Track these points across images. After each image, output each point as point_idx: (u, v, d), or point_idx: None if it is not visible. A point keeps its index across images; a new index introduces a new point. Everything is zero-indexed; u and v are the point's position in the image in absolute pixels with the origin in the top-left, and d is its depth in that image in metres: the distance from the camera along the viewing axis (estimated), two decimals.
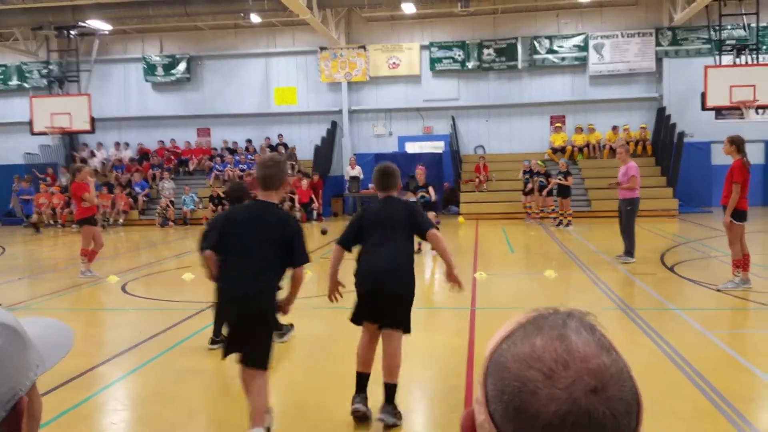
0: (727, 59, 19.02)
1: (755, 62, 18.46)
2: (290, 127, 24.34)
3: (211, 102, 24.67)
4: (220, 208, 19.64)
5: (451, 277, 4.70)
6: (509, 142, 23.25)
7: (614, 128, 22.28)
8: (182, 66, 24.49)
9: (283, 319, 5.22)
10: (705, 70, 18.12)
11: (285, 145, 23.85)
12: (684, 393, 5.16)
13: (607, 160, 21.34)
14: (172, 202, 21.74)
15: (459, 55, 23.11)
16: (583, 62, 22.64)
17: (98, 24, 21.66)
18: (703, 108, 18.15)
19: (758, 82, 17.45)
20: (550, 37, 22.72)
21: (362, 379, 4.65)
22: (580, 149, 22.37)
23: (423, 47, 23.35)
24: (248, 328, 4.21)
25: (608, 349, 0.77)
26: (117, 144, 24.77)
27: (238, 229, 4.29)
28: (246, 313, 4.19)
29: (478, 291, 9.16)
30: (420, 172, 13.28)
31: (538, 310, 0.83)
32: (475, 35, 23.09)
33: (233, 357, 4.33)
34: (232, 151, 23.88)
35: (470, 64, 23.08)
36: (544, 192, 18.67)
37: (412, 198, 12.60)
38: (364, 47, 23.46)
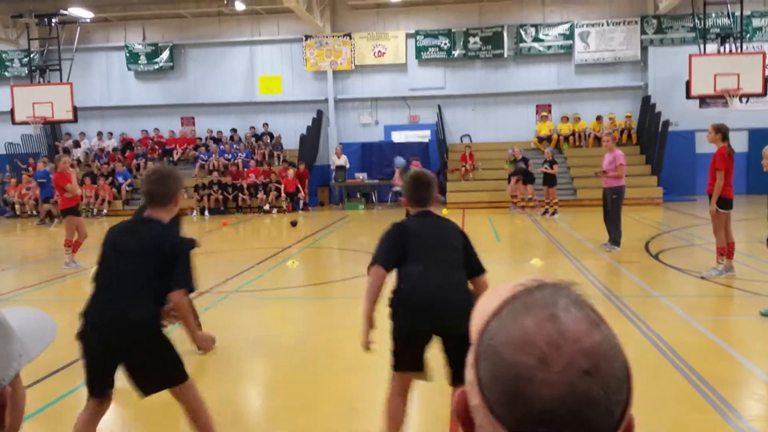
0: (711, 48, 19.11)
1: (739, 51, 18.56)
2: (275, 116, 24.20)
3: (195, 91, 24.47)
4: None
5: None
6: (495, 131, 23.26)
7: (598, 118, 22.36)
8: (165, 54, 24.25)
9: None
10: (689, 58, 18.19)
11: (270, 135, 23.74)
12: (668, 378, 5.21)
13: (593, 149, 21.41)
14: None
15: (445, 44, 23.07)
16: (568, 51, 22.67)
17: (80, 12, 21.40)
18: (688, 96, 18.24)
19: (742, 70, 17.55)
20: (536, 26, 22.72)
21: None
22: (566, 138, 22.44)
23: (409, 35, 23.27)
24: (119, 359, 3.57)
25: (598, 323, 0.77)
26: (99, 133, 24.53)
27: (115, 246, 3.69)
28: (110, 341, 3.52)
29: None
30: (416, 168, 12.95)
31: (523, 284, 0.82)
32: (461, 23, 23.04)
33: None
34: (217, 141, 23.72)
35: (456, 53, 23.04)
36: (513, 180, 18.72)
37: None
38: (349, 35, 23.34)
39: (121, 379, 3.63)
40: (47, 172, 19.78)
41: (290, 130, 23.72)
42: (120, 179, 22.37)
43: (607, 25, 22.39)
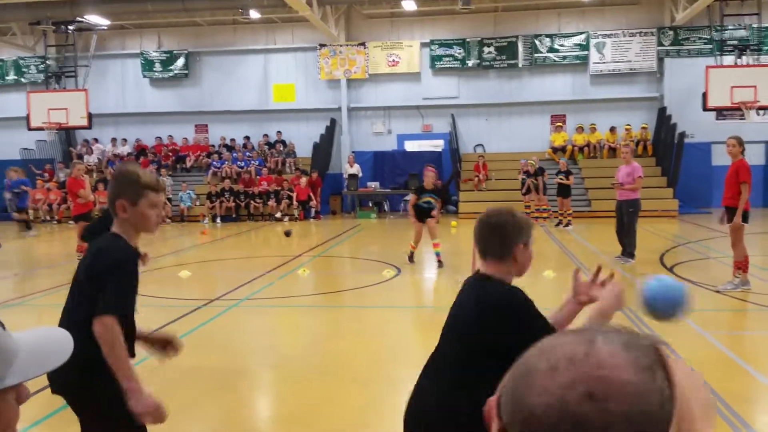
0: (728, 60, 18.96)
1: (756, 63, 18.40)
2: (288, 124, 24.25)
3: (209, 98, 24.59)
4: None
5: None
6: (509, 141, 23.17)
7: (612, 129, 22.22)
8: (180, 62, 24.41)
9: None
10: (706, 70, 18.05)
11: (283, 142, 23.79)
12: None
13: (607, 160, 21.28)
14: (169, 198, 21.67)
15: (459, 53, 23.04)
16: (584, 61, 22.58)
17: (96, 19, 21.57)
18: (704, 108, 18.09)
19: (759, 82, 17.40)
20: (551, 36, 22.65)
21: None
22: (581, 149, 22.31)
23: (423, 45, 23.27)
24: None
25: (644, 369, 0.70)
26: (114, 140, 24.69)
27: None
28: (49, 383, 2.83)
29: None
30: (431, 175, 11.42)
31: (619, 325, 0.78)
32: (476, 33, 23.01)
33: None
34: (230, 148, 23.80)
35: (470, 62, 23.01)
36: (524, 189, 18.59)
37: (413, 201, 11.33)
38: (363, 44, 23.38)
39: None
40: (26, 182, 19.80)
41: (303, 138, 23.75)
42: None
43: (623, 35, 22.28)
